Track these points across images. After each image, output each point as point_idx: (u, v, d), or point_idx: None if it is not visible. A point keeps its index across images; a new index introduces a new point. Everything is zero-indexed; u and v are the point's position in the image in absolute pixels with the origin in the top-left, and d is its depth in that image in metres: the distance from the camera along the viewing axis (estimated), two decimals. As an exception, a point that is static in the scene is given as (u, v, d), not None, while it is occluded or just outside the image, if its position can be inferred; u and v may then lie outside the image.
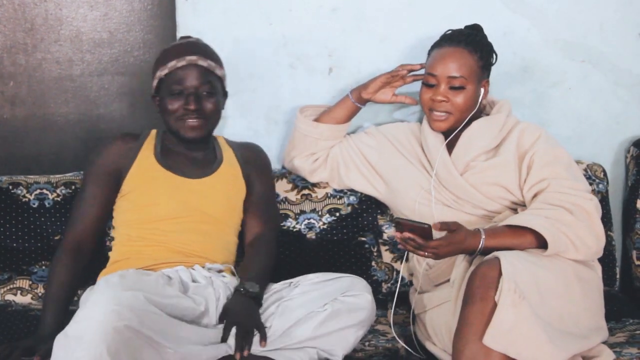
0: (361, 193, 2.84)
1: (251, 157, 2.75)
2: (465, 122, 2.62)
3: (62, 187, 2.81)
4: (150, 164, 2.62)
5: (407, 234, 2.30)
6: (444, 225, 2.32)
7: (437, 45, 2.65)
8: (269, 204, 2.74)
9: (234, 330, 2.28)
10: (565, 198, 2.43)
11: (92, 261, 2.58)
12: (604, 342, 2.41)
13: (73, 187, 2.81)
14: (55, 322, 2.38)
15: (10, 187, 2.81)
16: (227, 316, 2.35)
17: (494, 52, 2.66)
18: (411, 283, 2.74)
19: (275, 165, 2.96)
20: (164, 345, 2.15)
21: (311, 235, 2.86)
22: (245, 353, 2.23)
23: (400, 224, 2.31)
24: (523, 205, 2.54)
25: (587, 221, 2.40)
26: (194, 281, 2.45)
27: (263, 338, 2.29)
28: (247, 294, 2.40)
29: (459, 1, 2.90)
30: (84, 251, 2.56)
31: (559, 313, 2.24)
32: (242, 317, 2.33)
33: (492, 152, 2.61)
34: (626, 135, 3.01)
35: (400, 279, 2.72)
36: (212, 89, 2.59)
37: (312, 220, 2.86)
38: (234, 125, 2.97)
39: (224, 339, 2.28)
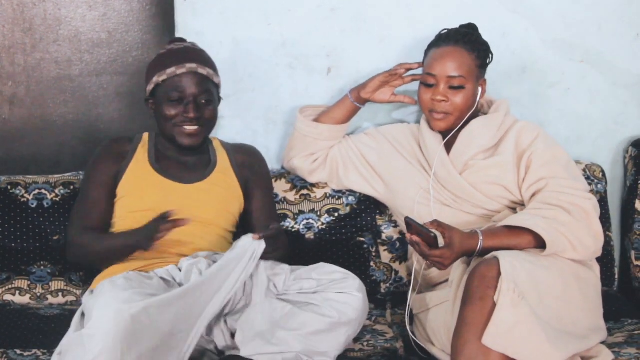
0: (360, 193, 2.85)
1: (247, 161, 2.74)
2: (463, 121, 2.62)
3: (61, 187, 2.81)
4: (144, 169, 2.62)
5: (415, 237, 2.31)
6: (435, 223, 2.33)
7: (434, 44, 2.65)
8: (271, 209, 2.76)
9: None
10: (564, 198, 2.43)
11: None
12: (603, 342, 2.41)
13: (72, 187, 2.81)
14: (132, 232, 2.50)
15: (9, 187, 2.80)
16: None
17: (490, 51, 2.66)
18: (410, 283, 2.74)
19: (274, 166, 2.96)
20: (173, 334, 2.18)
21: (310, 235, 2.86)
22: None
23: (410, 225, 2.32)
24: (522, 204, 2.54)
25: (585, 221, 2.41)
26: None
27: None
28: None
29: (458, 1, 2.90)
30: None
31: (558, 313, 2.24)
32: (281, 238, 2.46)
33: (490, 151, 2.61)
34: (625, 135, 3.01)
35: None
36: (210, 97, 2.60)
37: (310, 221, 2.86)
38: (233, 125, 2.97)
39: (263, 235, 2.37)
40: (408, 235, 2.34)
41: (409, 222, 2.32)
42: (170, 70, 2.57)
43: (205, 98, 2.59)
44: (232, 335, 2.38)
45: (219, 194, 2.64)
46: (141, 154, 2.65)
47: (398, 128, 2.82)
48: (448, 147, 2.64)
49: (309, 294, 2.39)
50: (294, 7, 2.91)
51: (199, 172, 2.65)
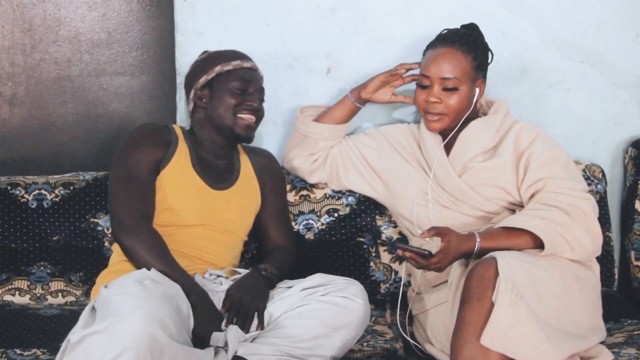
0: (360, 194, 2.85)
1: (265, 166, 2.76)
2: (462, 122, 2.62)
3: (61, 188, 2.81)
4: (185, 167, 2.59)
5: (407, 254, 2.32)
6: (432, 230, 2.33)
7: (431, 45, 2.64)
8: (287, 215, 2.79)
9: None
10: (562, 198, 2.43)
11: (90, 261, 2.58)
12: (602, 343, 2.41)
13: (72, 187, 2.81)
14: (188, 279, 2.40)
15: (9, 187, 2.81)
16: (232, 297, 2.37)
17: (490, 51, 2.66)
18: (409, 284, 2.74)
19: (274, 166, 2.96)
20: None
21: (310, 235, 2.86)
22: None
23: (401, 249, 2.34)
24: (521, 206, 2.54)
25: (583, 221, 2.40)
26: None
27: (260, 322, 2.34)
28: (263, 272, 2.46)
29: (457, 2, 2.90)
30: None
31: (557, 313, 2.24)
32: (248, 297, 2.36)
33: (489, 153, 2.61)
34: (624, 135, 3.01)
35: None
36: (264, 97, 2.69)
37: (310, 221, 2.86)
38: (233, 125, 2.97)
39: (228, 322, 2.32)
40: (400, 252, 2.35)
41: (400, 247, 2.34)
42: (236, 63, 2.64)
43: (263, 95, 2.68)
44: None
45: (242, 202, 2.66)
46: (183, 150, 2.61)
47: (398, 128, 2.82)
48: (447, 148, 2.64)
49: (307, 296, 2.39)
50: (293, 8, 2.91)
51: (225, 178, 2.65)
